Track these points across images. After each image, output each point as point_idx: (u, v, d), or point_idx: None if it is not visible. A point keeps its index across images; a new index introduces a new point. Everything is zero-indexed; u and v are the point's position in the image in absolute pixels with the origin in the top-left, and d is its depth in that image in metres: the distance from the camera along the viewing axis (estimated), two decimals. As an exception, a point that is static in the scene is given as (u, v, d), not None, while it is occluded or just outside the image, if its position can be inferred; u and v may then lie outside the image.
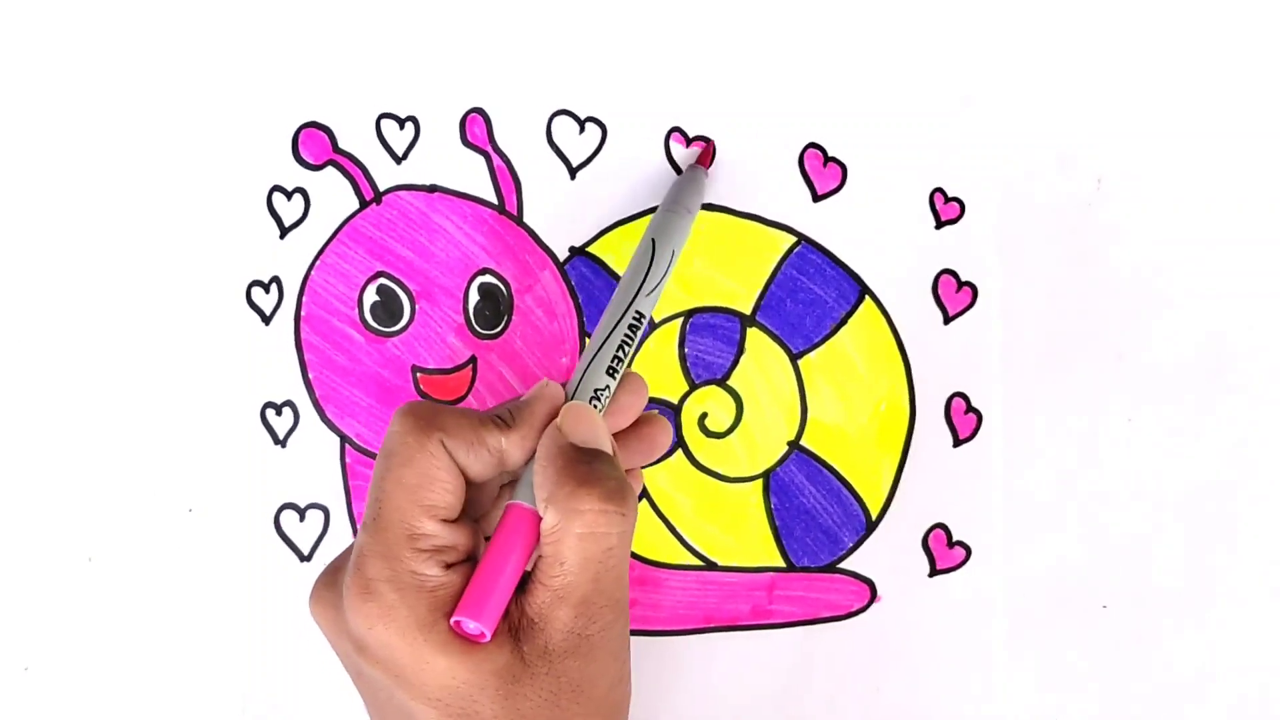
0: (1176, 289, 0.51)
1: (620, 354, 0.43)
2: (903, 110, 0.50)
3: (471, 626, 0.39)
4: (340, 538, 0.50)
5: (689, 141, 0.49)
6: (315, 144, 0.49)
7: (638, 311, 0.44)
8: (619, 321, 0.44)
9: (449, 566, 0.40)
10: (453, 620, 0.39)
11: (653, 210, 0.50)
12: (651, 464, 0.48)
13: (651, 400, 0.50)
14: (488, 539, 0.41)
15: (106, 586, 0.50)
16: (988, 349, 0.50)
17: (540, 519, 0.40)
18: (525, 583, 0.40)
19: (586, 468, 0.40)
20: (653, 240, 0.46)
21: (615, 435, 0.44)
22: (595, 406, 0.43)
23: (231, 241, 0.50)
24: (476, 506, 0.43)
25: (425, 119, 0.50)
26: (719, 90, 0.50)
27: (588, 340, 0.44)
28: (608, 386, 0.43)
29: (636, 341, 0.44)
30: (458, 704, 0.39)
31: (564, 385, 0.43)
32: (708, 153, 0.49)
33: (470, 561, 0.40)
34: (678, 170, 0.50)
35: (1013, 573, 0.50)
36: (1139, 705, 0.51)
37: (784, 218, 0.50)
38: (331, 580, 0.41)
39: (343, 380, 0.50)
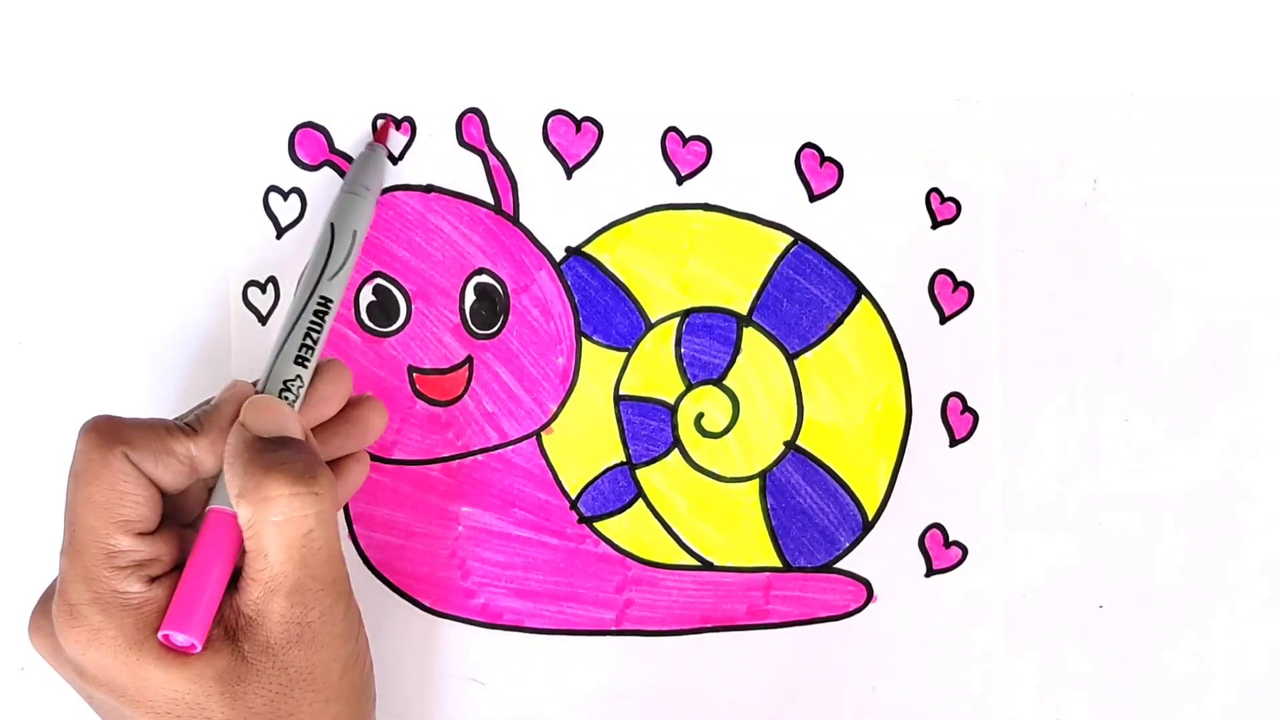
0: (1174, 288, 0.50)
1: (309, 342, 0.43)
2: (899, 110, 0.50)
3: (180, 639, 0.39)
4: (337, 538, 0.50)
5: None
6: (312, 144, 0.49)
7: (323, 297, 0.44)
8: (304, 309, 0.44)
9: (154, 580, 0.39)
10: (160, 635, 0.39)
11: (651, 210, 0.50)
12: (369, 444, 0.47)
13: (649, 399, 0.50)
14: None
15: (103, 586, 0.50)
16: (984, 349, 0.50)
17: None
18: (238, 581, 0.40)
19: (271, 455, 0.39)
20: (331, 224, 0.46)
21: (325, 422, 0.44)
22: (287, 398, 0.42)
23: (228, 241, 0.49)
24: (184, 514, 0.42)
25: (421, 119, 0.50)
26: (716, 90, 0.50)
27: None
28: (298, 376, 0.43)
29: (325, 328, 0.44)
30: (187, 713, 0.39)
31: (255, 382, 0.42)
32: (385, 130, 0.49)
33: (179, 571, 0.40)
34: (675, 170, 0.50)
35: (1009, 573, 0.50)
36: (1136, 705, 0.51)
37: (780, 217, 0.50)
38: (45, 608, 0.41)
39: (339, 380, 0.50)
